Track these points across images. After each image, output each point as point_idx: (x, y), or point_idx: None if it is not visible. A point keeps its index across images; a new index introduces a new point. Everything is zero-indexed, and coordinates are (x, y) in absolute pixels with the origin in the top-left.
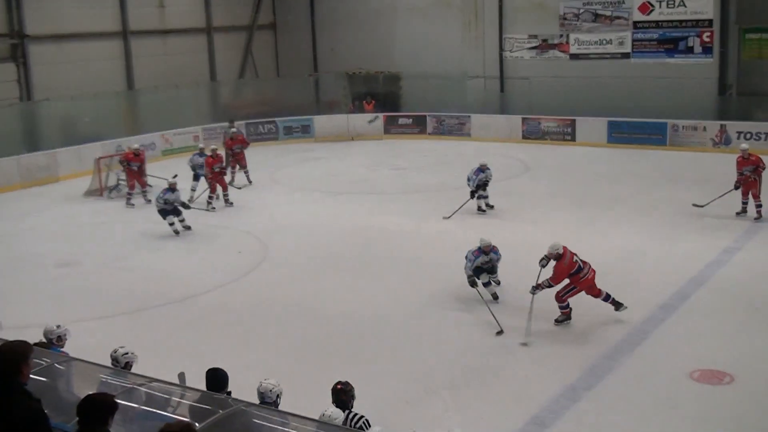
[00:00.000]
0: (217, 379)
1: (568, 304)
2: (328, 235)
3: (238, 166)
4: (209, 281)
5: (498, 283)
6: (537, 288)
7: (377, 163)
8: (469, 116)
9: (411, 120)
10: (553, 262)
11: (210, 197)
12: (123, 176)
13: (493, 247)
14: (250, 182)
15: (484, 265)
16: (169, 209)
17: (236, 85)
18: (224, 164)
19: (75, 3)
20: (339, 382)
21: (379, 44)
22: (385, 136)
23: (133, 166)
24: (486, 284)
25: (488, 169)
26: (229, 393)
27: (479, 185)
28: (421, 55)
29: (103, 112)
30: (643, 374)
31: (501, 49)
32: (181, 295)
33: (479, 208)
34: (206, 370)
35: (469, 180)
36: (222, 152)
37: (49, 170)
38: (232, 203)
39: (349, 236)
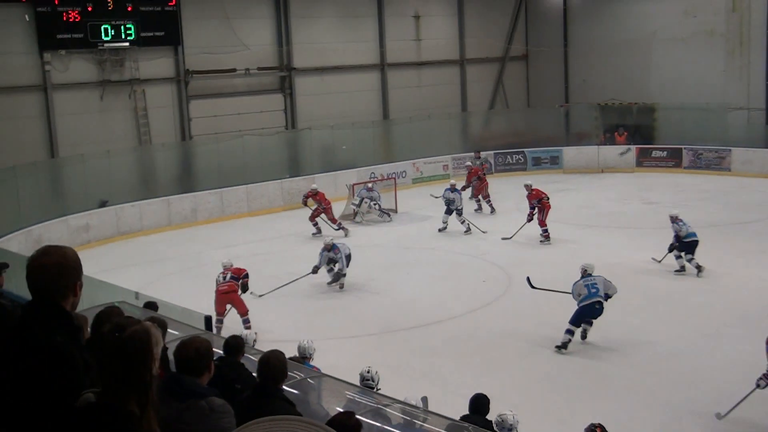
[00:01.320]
0: (478, 403)
1: None
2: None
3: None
4: (454, 308)
5: None
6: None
7: (628, 196)
8: (730, 149)
9: (666, 153)
10: None
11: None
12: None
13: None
14: (493, 210)
15: None
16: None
17: (487, 115)
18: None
19: (338, 38)
20: (596, 425)
21: (634, 74)
22: (636, 169)
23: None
24: None
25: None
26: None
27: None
28: (678, 85)
29: (360, 141)
30: None
31: None
32: (427, 320)
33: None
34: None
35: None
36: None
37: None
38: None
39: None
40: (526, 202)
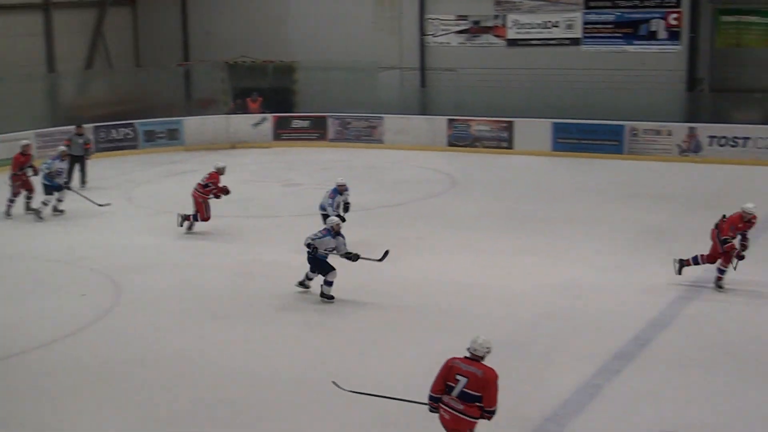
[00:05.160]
0: None
1: None
2: (204, 272)
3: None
4: (42, 334)
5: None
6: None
7: (265, 177)
8: (382, 117)
9: (308, 123)
10: None
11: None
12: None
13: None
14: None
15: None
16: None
17: (82, 77)
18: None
19: None
20: None
21: (269, 26)
22: (274, 144)
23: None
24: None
25: (347, 190)
26: None
27: (345, 209)
28: (321, 40)
29: None
30: None
31: (422, 33)
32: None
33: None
34: None
35: (323, 208)
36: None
37: None
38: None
39: (230, 273)
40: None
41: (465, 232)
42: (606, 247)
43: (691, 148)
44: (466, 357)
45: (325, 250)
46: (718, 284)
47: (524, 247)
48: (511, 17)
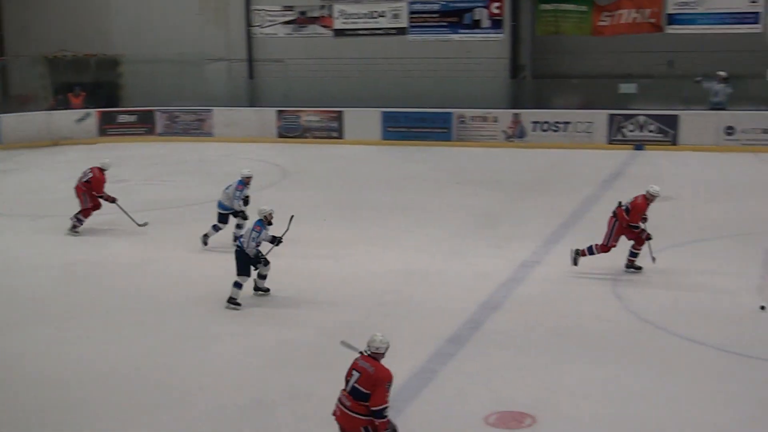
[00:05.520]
0: None
1: None
2: (24, 275)
3: None
4: None
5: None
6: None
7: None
8: (211, 110)
9: (135, 117)
10: None
11: None
12: None
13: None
14: None
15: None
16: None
17: None
18: None
19: None
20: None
21: (91, 19)
22: (100, 139)
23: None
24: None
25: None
26: None
27: (245, 203)
28: (146, 32)
29: None
30: (431, 423)
31: (248, 24)
32: None
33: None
34: None
35: (221, 205)
36: None
37: None
38: None
39: (54, 275)
40: None
41: (297, 222)
42: (438, 233)
43: (516, 134)
44: (368, 354)
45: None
46: (634, 266)
47: (357, 236)
48: (338, 7)
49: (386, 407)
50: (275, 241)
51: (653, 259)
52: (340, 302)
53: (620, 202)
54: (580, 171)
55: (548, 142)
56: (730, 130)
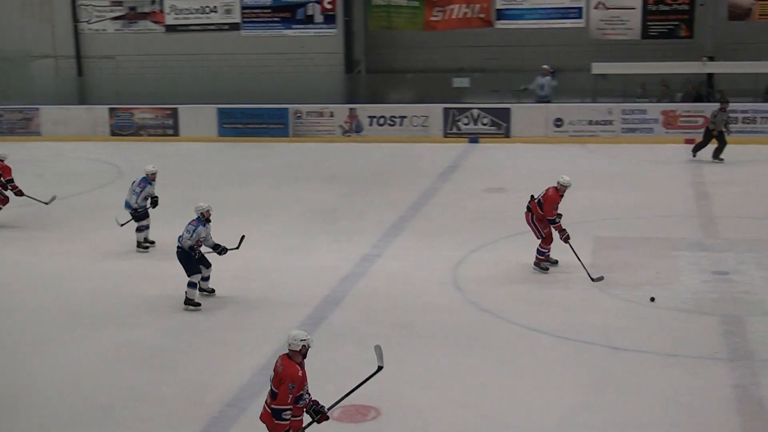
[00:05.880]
0: None
1: None
2: None
3: None
4: None
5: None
6: None
7: None
8: (38, 109)
9: None
10: None
11: None
12: None
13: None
14: None
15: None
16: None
17: None
18: None
19: None
20: None
21: None
22: None
23: None
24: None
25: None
26: None
27: (154, 204)
28: None
29: None
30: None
31: (76, 20)
32: None
33: (141, 245)
34: None
35: (135, 195)
36: None
37: None
38: None
39: None
40: None
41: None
42: (279, 230)
43: (353, 129)
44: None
45: (197, 243)
46: (541, 266)
47: None
48: (168, 2)
49: (286, 409)
50: (218, 249)
51: (597, 278)
52: (180, 302)
53: (533, 196)
54: (417, 164)
55: (385, 136)
56: (558, 122)
